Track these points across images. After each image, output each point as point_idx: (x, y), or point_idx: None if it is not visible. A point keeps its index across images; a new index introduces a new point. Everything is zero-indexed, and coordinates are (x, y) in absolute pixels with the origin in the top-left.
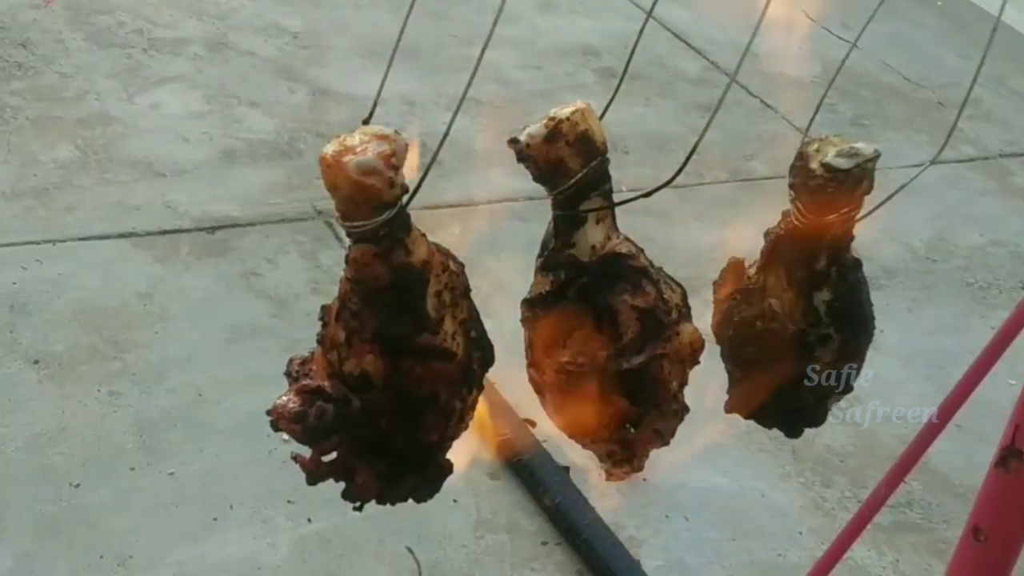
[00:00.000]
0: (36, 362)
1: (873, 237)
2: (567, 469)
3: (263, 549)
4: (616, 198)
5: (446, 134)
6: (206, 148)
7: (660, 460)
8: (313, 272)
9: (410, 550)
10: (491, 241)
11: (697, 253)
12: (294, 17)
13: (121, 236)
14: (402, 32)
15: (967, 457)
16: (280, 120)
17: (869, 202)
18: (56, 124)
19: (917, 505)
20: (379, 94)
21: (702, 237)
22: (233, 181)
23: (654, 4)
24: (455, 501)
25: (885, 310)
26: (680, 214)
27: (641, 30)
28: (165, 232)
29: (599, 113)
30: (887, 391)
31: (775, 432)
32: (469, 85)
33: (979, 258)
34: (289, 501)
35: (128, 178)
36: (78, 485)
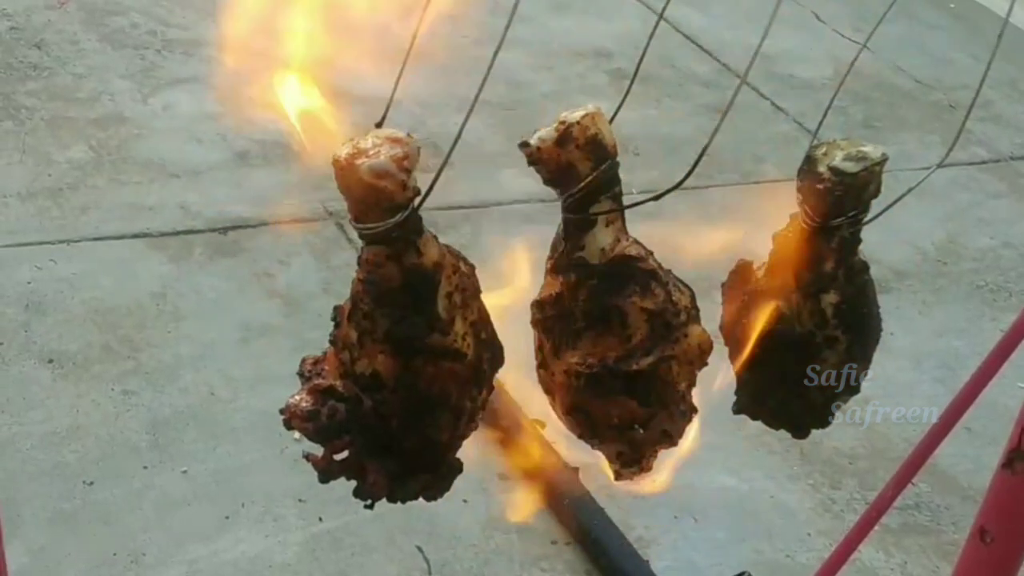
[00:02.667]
0: (50, 361)
1: (884, 239)
2: (577, 470)
3: (275, 547)
4: (626, 200)
5: (458, 136)
6: (219, 149)
7: (669, 461)
8: (325, 273)
9: (420, 549)
10: (501, 243)
11: (706, 256)
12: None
13: (135, 236)
14: (416, 34)
15: (975, 459)
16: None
17: (878, 205)
18: (70, 125)
19: (925, 507)
20: (392, 96)
21: (711, 239)
22: (246, 182)
23: (665, 5)
24: (465, 501)
25: (895, 312)
26: (689, 216)
27: (652, 32)
28: (179, 232)
29: (610, 115)
30: (897, 393)
31: (783, 433)
32: (481, 87)
33: (990, 260)
34: (300, 500)
35: (142, 179)
36: (92, 483)
